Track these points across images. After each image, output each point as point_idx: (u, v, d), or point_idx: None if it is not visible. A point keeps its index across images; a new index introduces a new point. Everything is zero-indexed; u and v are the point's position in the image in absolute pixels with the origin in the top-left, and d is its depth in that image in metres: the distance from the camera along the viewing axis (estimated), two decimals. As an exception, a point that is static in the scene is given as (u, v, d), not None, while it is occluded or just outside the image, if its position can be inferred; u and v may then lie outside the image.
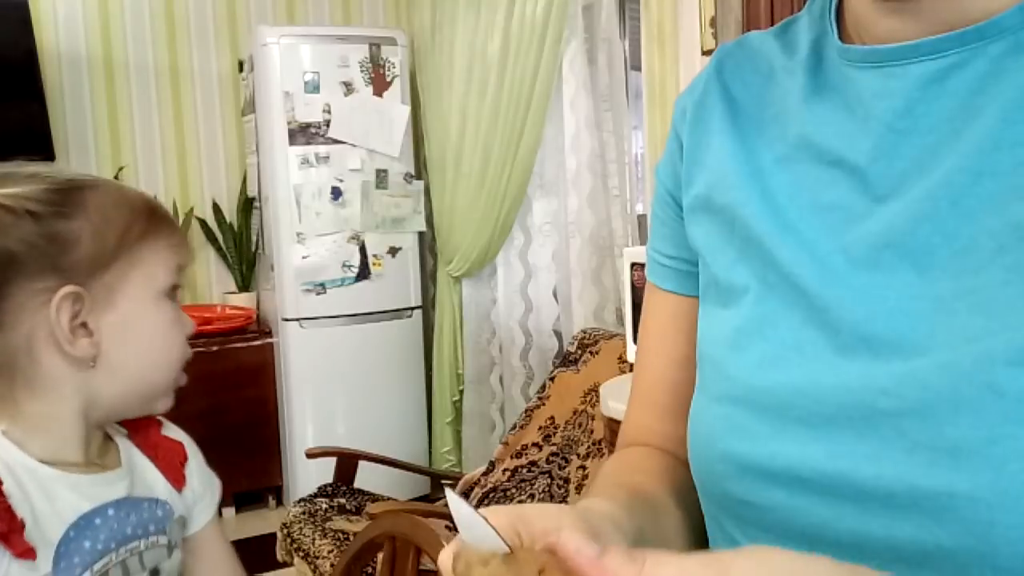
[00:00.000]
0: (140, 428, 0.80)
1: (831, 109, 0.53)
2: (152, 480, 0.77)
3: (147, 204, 0.76)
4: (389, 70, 3.21)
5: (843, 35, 0.54)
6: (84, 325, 0.70)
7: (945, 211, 0.45)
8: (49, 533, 0.66)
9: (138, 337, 0.73)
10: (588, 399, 2.32)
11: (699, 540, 0.60)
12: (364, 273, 3.24)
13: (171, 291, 0.76)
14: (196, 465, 0.82)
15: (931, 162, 0.47)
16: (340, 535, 2.14)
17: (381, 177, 3.22)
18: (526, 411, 2.53)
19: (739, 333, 0.53)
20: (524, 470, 2.42)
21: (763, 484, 0.50)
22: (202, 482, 0.82)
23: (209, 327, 3.19)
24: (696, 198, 0.59)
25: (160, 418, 0.83)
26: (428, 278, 3.56)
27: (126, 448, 0.77)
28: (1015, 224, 0.43)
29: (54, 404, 0.70)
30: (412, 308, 3.37)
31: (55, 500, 0.68)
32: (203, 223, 3.47)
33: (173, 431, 0.83)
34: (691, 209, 0.60)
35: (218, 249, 3.50)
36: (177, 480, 0.79)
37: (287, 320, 3.16)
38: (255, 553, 2.79)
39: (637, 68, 2.68)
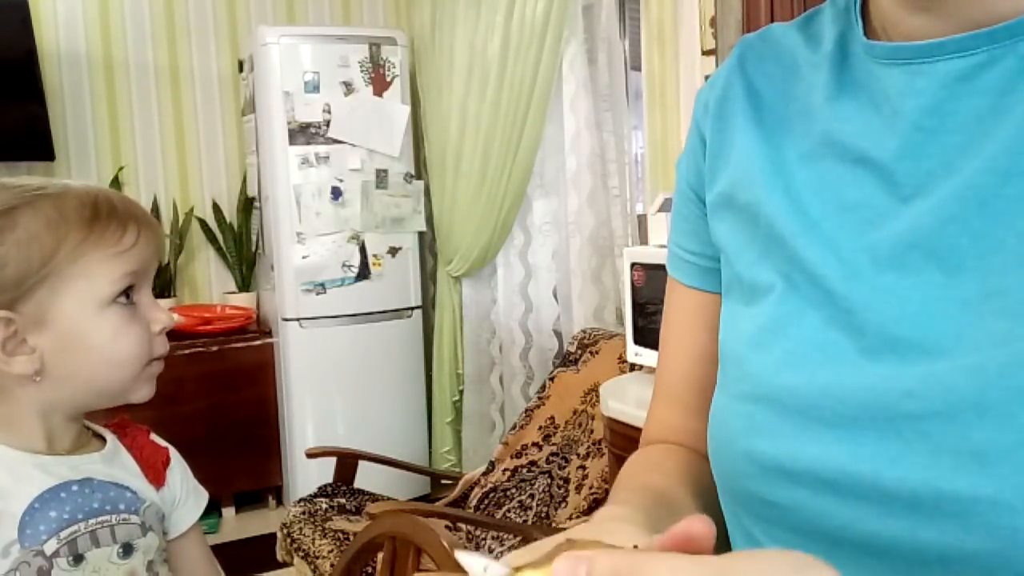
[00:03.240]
0: (128, 432, 0.85)
1: (856, 106, 0.52)
2: (129, 473, 0.82)
3: (91, 214, 0.74)
4: (389, 70, 3.21)
5: (868, 30, 0.53)
6: (25, 341, 0.73)
7: (972, 212, 0.45)
8: (13, 506, 0.72)
9: (82, 349, 0.75)
10: (588, 399, 2.32)
11: (719, 538, 0.60)
12: (364, 273, 3.24)
13: (119, 296, 0.76)
14: (179, 471, 0.87)
15: (958, 162, 0.46)
16: (340, 535, 2.14)
17: (381, 177, 3.22)
18: (526, 411, 2.53)
19: (762, 331, 0.53)
20: (524, 470, 2.42)
21: (785, 484, 0.49)
22: (185, 488, 0.87)
23: (209, 327, 3.20)
24: (719, 195, 0.59)
25: (149, 428, 0.88)
26: (428, 278, 3.56)
27: (114, 444, 0.83)
28: None
29: (11, 407, 0.75)
30: (412, 308, 3.37)
31: (20, 478, 0.73)
32: (203, 223, 3.47)
33: (160, 441, 0.88)
34: (714, 206, 0.59)
35: (218, 249, 3.50)
36: (156, 478, 0.84)
37: (287, 320, 3.17)
38: (255, 553, 2.79)
39: (637, 68, 2.68)
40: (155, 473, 0.83)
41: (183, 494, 0.86)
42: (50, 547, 0.72)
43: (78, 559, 0.74)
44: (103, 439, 0.82)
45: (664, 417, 0.68)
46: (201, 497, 0.89)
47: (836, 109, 0.53)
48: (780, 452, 0.50)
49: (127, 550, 0.77)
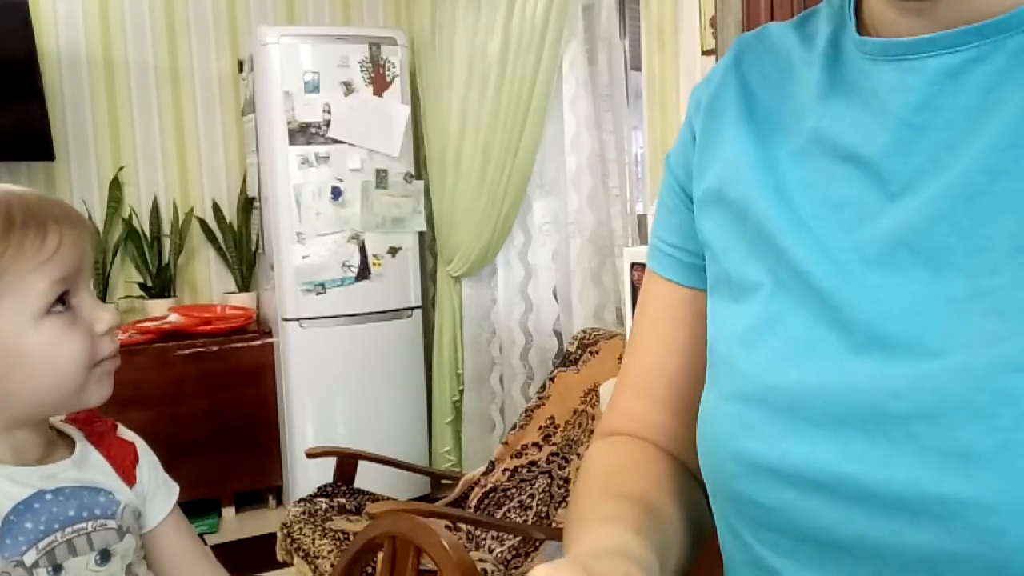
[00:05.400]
0: (96, 430, 0.83)
1: (847, 103, 0.52)
2: (104, 473, 0.81)
3: (3, 226, 0.70)
4: (389, 70, 3.21)
5: (861, 27, 0.53)
6: None
7: (961, 210, 0.44)
8: None
9: (21, 365, 0.72)
10: (588, 399, 2.32)
11: (696, 541, 0.59)
12: (364, 273, 3.24)
13: (54, 305, 0.72)
14: (147, 464, 0.85)
15: (947, 159, 0.46)
16: (340, 535, 2.14)
17: (381, 177, 3.22)
18: (526, 411, 2.53)
19: (750, 330, 0.52)
20: (524, 470, 2.42)
21: (773, 484, 0.49)
22: (154, 480, 0.85)
23: (209, 327, 3.20)
24: (707, 191, 0.58)
25: (116, 422, 0.86)
26: (428, 278, 3.56)
27: (82, 444, 0.81)
28: None
29: None
30: (412, 308, 3.37)
31: None
32: (203, 223, 3.47)
33: (127, 434, 0.86)
34: (702, 202, 0.59)
35: (218, 249, 3.50)
36: (128, 477, 0.82)
37: (287, 320, 3.16)
38: (255, 553, 2.79)
39: (637, 68, 2.68)
40: (125, 472, 0.82)
41: (152, 488, 0.85)
42: (30, 558, 0.72)
43: (57, 569, 0.73)
44: (70, 440, 0.81)
45: (630, 408, 0.66)
46: (171, 490, 0.87)
47: (827, 106, 0.53)
48: (768, 452, 0.49)
49: (105, 556, 0.77)
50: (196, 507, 3.08)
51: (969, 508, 0.41)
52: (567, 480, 2.26)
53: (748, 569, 0.54)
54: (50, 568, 0.73)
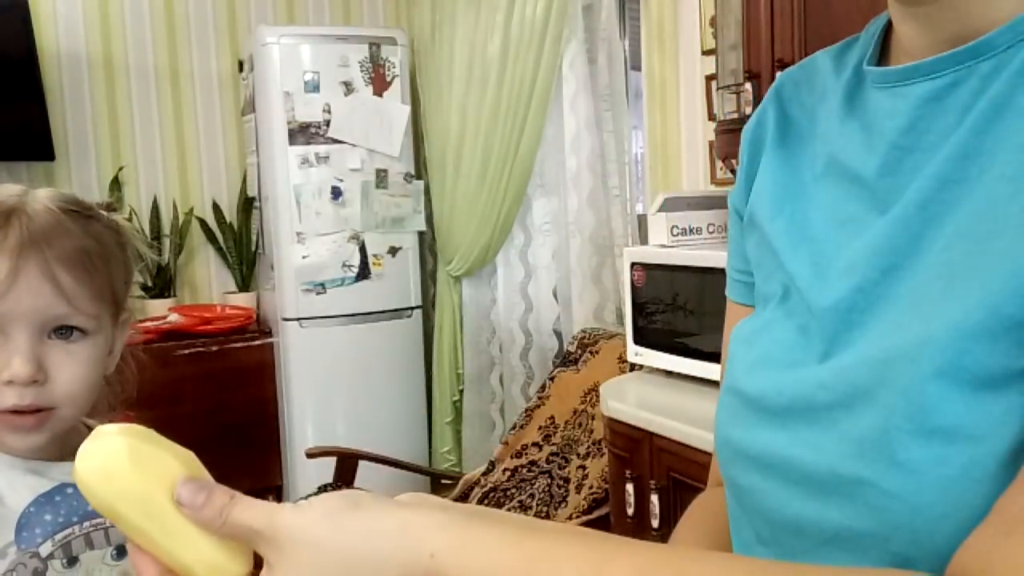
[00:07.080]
0: None
1: (856, 128, 0.57)
2: None
3: None
4: (389, 70, 3.21)
5: (891, 55, 0.58)
6: None
7: (913, 215, 0.49)
8: (9, 509, 0.72)
9: None
10: (588, 399, 2.33)
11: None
12: (364, 273, 3.24)
13: None
14: None
15: (922, 174, 0.50)
16: (340, 535, 2.13)
17: (381, 177, 3.22)
18: (526, 411, 2.53)
19: (752, 332, 0.60)
20: (524, 470, 2.42)
21: (747, 468, 0.56)
22: None
23: (209, 327, 3.19)
24: (748, 214, 0.65)
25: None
26: (428, 278, 3.56)
27: None
28: (959, 225, 0.46)
29: None
30: (412, 308, 3.36)
31: (14, 482, 0.73)
32: (203, 223, 3.47)
33: None
34: (745, 225, 0.66)
35: (218, 249, 3.50)
36: None
37: (287, 320, 3.16)
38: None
39: (637, 68, 2.68)
40: None
41: None
42: (45, 549, 0.72)
43: (72, 561, 0.74)
44: None
45: None
46: None
47: (842, 131, 0.58)
48: (744, 439, 0.56)
49: (121, 551, 0.77)
50: (196, 507, 3.07)
51: (865, 488, 0.46)
52: (567, 480, 2.26)
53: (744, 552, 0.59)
54: (65, 560, 0.73)
